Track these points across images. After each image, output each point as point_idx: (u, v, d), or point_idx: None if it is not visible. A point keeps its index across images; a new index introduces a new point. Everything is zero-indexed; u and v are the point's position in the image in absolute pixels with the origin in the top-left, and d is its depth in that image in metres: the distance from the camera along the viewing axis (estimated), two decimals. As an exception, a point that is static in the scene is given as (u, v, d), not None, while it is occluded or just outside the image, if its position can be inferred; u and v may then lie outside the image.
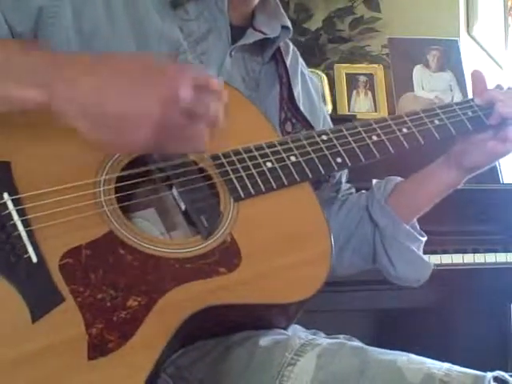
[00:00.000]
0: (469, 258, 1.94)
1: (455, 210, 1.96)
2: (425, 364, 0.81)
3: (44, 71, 0.76)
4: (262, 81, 1.12)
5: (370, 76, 2.40)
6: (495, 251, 1.96)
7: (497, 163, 2.14)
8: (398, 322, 2.10)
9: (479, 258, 1.94)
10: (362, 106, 2.36)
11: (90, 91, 0.74)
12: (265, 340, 0.87)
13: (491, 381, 0.79)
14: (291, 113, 1.11)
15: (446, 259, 1.92)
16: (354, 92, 2.37)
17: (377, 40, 2.58)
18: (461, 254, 1.94)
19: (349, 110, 2.33)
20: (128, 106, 0.73)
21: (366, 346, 0.89)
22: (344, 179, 1.24)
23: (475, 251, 1.95)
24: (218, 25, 1.06)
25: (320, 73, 2.31)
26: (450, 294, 2.00)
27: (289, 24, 1.14)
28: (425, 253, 1.19)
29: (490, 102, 1.11)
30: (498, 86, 1.18)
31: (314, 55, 2.55)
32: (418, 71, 2.37)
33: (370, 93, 2.38)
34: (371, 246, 1.16)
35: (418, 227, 1.16)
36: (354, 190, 1.25)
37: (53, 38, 0.94)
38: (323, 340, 0.89)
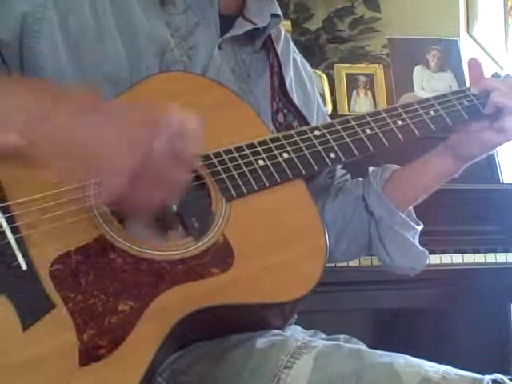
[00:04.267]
0: (469, 258, 1.94)
1: (455, 210, 1.96)
2: (422, 367, 0.81)
3: (31, 111, 0.74)
4: (252, 71, 1.11)
5: (370, 76, 2.40)
6: (495, 251, 1.96)
7: (497, 163, 2.14)
8: (398, 322, 2.10)
9: (479, 258, 1.94)
10: (362, 106, 2.36)
11: (62, 129, 0.73)
12: (261, 342, 0.86)
13: (489, 384, 0.78)
14: (283, 103, 1.10)
15: (446, 259, 1.91)
16: (354, 92, 2.37)
17: (377, 40, 2.58)
18: (461, 254, 1.93)
19: (349, 110, 2.32)
20: (99, 148, 0.73)
21: (364, 348, 0.88)
22: (338, 165, 1.23)
23: (475, 251, 1.95)
24: (207, 17, 1.05)
25: (320, 73, 2.30)
26: (450, 294, 2.00)
27: (279, 11, 1.12)
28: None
29: (486, 91, 1.10)
30: (496, 74, 1.17)
31: (313, 55, 2.55)
32: (418, 71, 2.36)
33: (369, 93, 2.38)
34: (367, 235, 1.15)
35: (414, 215, 1.15)
36: (349, 177, 1.24)
37: (39, 43, 0.94)
38: (320, 342, 0.88)
